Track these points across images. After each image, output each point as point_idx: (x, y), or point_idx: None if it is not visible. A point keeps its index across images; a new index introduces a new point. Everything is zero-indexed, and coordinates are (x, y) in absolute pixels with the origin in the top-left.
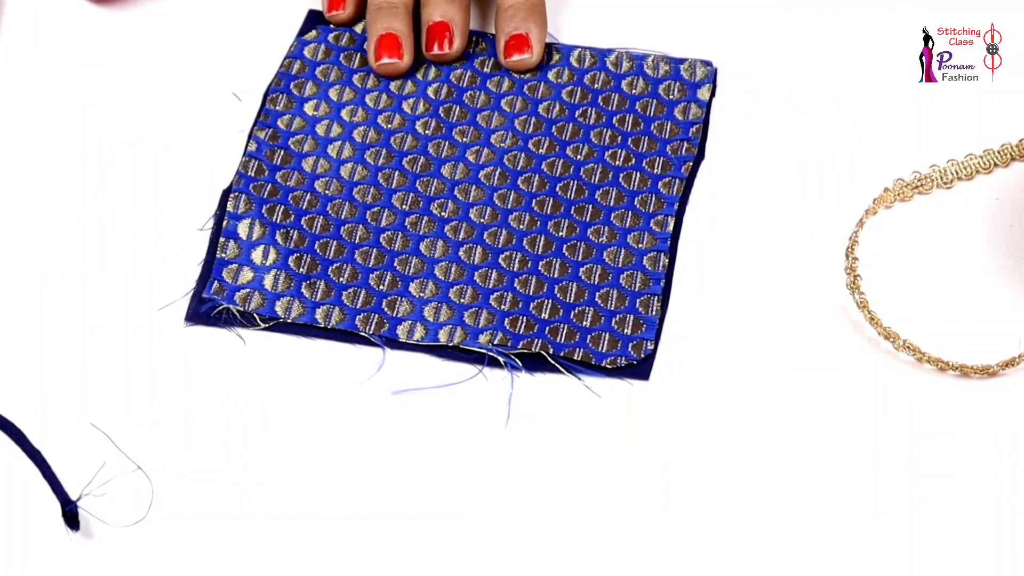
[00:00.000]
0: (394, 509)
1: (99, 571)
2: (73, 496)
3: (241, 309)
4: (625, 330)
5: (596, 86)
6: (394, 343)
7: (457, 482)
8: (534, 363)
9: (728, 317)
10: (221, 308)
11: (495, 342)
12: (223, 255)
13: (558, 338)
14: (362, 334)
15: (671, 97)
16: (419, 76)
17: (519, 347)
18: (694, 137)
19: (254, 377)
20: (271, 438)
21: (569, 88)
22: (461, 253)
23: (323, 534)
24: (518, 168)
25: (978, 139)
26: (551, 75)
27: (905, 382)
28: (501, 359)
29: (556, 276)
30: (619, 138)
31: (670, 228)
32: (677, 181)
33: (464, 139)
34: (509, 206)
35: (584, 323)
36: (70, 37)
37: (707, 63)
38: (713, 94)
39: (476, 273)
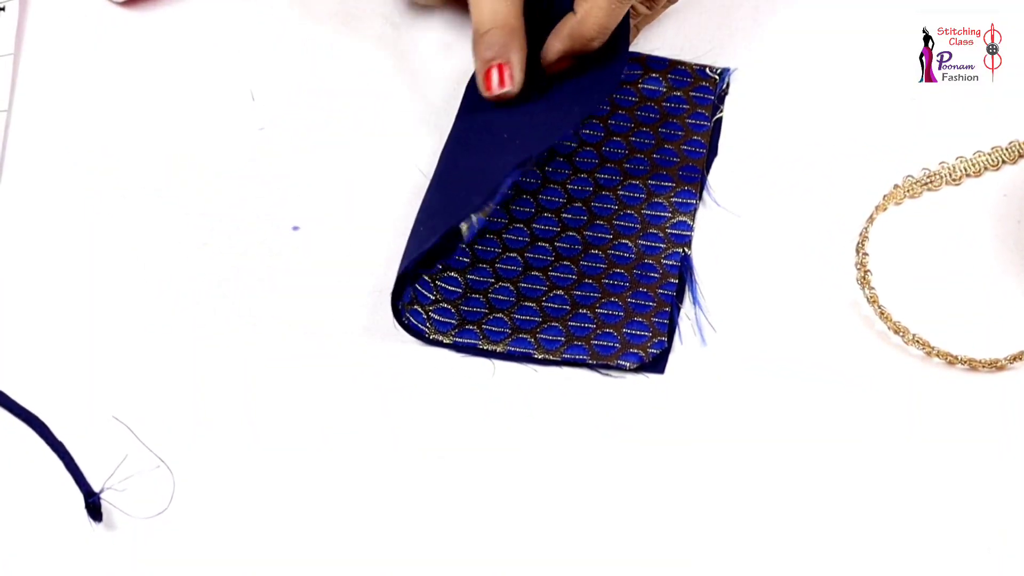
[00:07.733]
0: (413, 503)
1: (121, 562)
2: (96, 488)
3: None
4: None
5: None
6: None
7: (473, 474)
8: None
9: (740, 312)
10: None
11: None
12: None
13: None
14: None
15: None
16: None
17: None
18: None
19: (274, 372)
20: (291, 432)
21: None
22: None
23: (341, 528)
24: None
25: (978, 140)
26: None
27: (914, 376)
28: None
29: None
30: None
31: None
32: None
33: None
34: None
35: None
36: (93, 36)
37: (725, 70)
38: (726, 93)
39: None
